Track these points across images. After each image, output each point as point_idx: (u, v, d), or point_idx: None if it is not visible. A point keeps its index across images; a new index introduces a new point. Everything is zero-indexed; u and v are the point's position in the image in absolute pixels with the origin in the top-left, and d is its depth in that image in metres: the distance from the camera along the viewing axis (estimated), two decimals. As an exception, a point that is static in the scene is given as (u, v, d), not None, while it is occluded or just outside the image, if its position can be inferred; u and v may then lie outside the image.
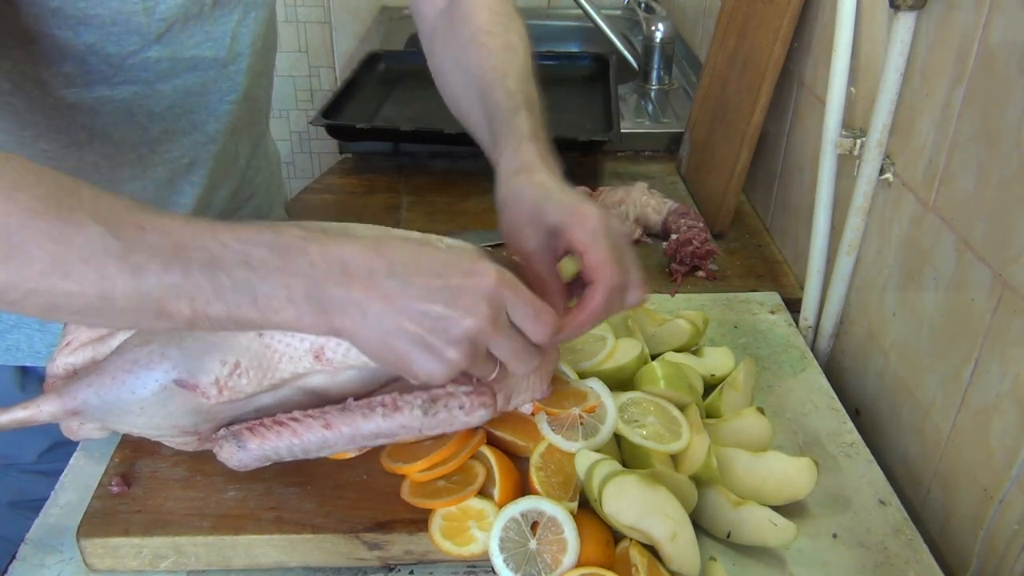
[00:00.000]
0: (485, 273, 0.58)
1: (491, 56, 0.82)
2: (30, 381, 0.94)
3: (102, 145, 0.81)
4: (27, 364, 0.92)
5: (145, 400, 0.66)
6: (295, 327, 0.57)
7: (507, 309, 0.59)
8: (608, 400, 0.76)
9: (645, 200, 1.20)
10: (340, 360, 0.68)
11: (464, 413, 0.67)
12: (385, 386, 0.71)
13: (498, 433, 0.75)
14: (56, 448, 0.96)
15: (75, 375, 0.70)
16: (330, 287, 0.56)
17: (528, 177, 0.71)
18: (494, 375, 0.62)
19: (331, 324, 0.57)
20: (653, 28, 1.65)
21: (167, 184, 0.89)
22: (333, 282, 0.56)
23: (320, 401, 0.69)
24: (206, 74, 0.84)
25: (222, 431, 0.69)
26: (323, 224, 0.62)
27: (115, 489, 0.73)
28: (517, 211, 0.70)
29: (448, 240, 0.75)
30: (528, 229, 0.68)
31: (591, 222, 0.66)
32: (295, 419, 0.67)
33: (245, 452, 0.68)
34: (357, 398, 0.68)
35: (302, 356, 0.68)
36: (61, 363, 0.71)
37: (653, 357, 0.87)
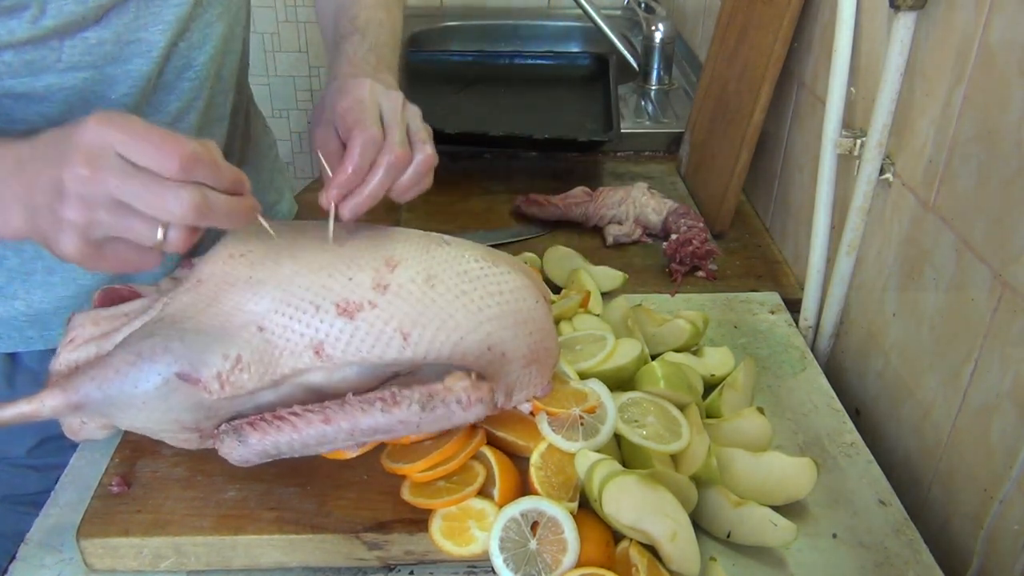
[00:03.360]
0: (86, 125, 0.57)
1: None
2: (19, 371, 0.94)
3: None
4: (17, 350, 0.92)
5: (147, 394, 0.66)
6: None
7: (117, 150, 0.57)
8: (608, 400, 0.76)
9: (645, 200, 1.20)
10: (340, 356, 0.68)
11: (462, 408, 0.66)
12: (385, 382, 0.71)
13: (498, 433, 0.75)
14: (47, 442, 0.96)
15: (78, 370, 0.70)
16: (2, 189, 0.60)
17: (332, 84, 0.77)
18: (166, 233, 0.59)
19: (8, 223, 0.60)
20: (653, 28, 1.65)
21: None
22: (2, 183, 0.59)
23: (321, 398, 0.69)
24: (160, 58, 0.82)
25: (223, 426, 0.69)
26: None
27: (115, 489, 0.73)
28: (317, 113, 0.76)
29: (447, 238, 0.76)
30: (321, 126, 0.73)
31: (356, 91, 0.72)
32: (295, 414, 0.67)
33: (246, 447, 0.68)
34: (357, 394, 0.68)
35: (302, 351, 0.68)
36: (64, 360, 0.71)
37: (653, 357, 0.87)
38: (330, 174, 0.72)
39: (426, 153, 0.75)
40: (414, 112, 0.78)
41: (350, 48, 0.83)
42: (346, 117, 0.72)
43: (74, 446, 0.92)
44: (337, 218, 0.72)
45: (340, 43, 0.84)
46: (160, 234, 0.58)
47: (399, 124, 0.73)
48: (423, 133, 0.76)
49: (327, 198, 0.71)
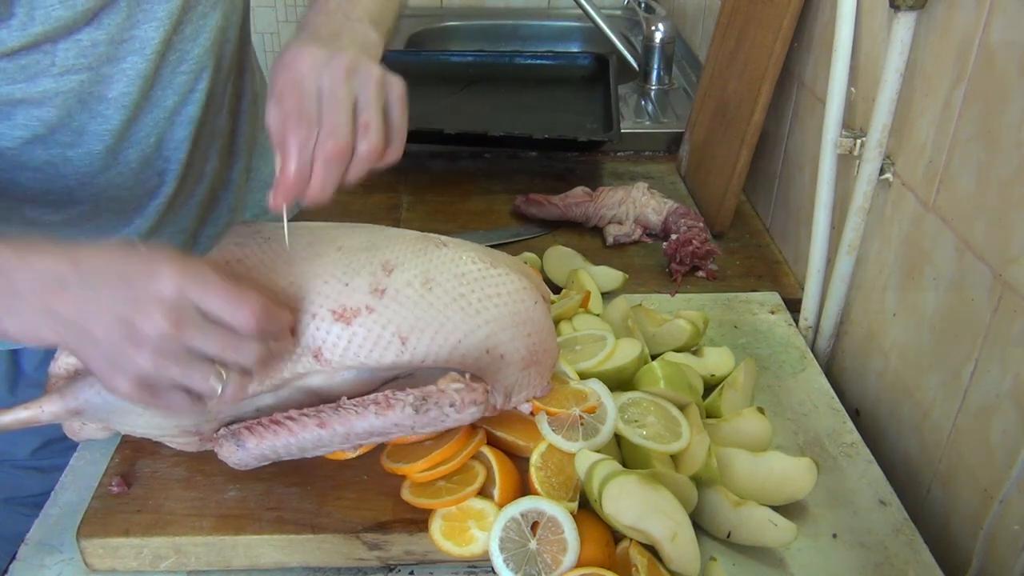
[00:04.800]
0: (162, 274, 0.57)
1: None
2: (21, 378, 0.94)
3: (65, 135, 0.80)
4: (18, 347, 0.92)
5: None
6: (11, 336, 0.59)
7: (197, 305, 0.58)
8: (608, 400, 0.76)
9: (645, 200, 1.20)
10: (338, 360, 0.68)
11: (455, 411, 0.66)
12: (385, 385, 0.71)
13: (498, 433, 0.75)
14: (50, 444, 0.96)
15: (77, 375, 0.70)
16: (28, 298, 0.57)
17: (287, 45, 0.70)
18: (224, 386, 0.60)
19: (38, 335, 0.59)
20: (653, 28, 1.65)
21: (144, 166, 0.88)
22: (30, 293, 0.57)
23: (320, 401, 0.69)
24: (155, 54, 0.82)
25: (222, 430, 0.69)
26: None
27: (115, 489, 0.73)
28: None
29: (445, 239, 0.76)
30: (271, 101, 0.67)
31: (295, 65, 0.65)
32: (291, 418, 0.67)
33: (244, 451, 0.68)
34: (352, 397, 0.68)
35: (301, 356, 0.68)
36: (63, 363, 0.71)
37: (653, 357, 0.87)
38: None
39: (370, 144, 0.66)
40: (366, 79, 0.67)
41: (321, 1, 0.75)
42: (281, 102, 0.65)
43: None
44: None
45: (313, 3, 0.77)
46: (219, 387, 0.60)
47: (337, 108, 0.64)
48: (371, 111, 0.66)
49: (275, 203, 0.66)
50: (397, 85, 0.69)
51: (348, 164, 0.66)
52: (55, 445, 0.96)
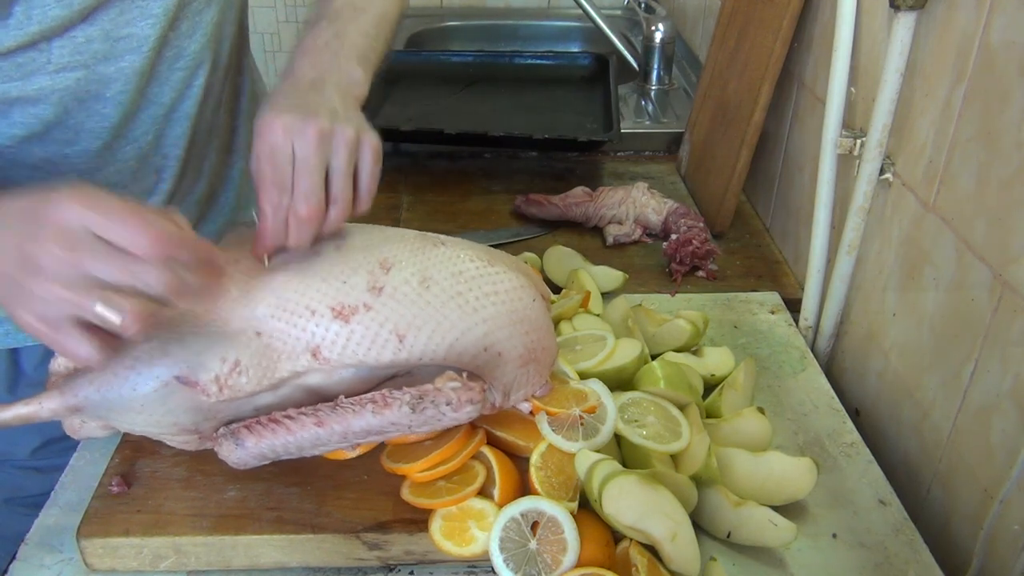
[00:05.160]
0: (60, 204, 0.56)
1: None
2: (21, 377, 0.94)
3: (62, 133, 0.81)
4: (19, 345, 0.92)
5: (146, 397, 0.66)
6: None
7: (92, 230, 0.56)
8: (608, 400, 0.76)
9: (645, 200, 1.20)
10: (337, 359, 0.68)
11: (452, 409, 0.67)
12: (383, 383, 0.71)
13: (498, 433, 0.75)
14: (50, 444, 0.97)
15: (77, 372, 0.70)
16: None
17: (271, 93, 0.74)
18: (122, 315, 0.57)
19: None
20: (653, 28, 1.65)
21: (141, 163, 0.88)
22: None
23: (318, 400, 0.69)
24: (152, 51, 0.82)
25: (221, 429, 0.69)
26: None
27: (115, 489, 0.73)
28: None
29: (443, 238, 0.76)
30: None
31: (269, 133, 0.68)
32: (289, 417, 0.67)
33: (243, 450, 0.68)
34: (349, 396, 0.68)
35: (300, 354, 0.68)
36: (63, 361, 0.71)
37: (653, 357, 0.87)
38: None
39: (338, 211, 0.70)
40: (338, 146, 0.70)
41: (310, 37, 0.78)
42: (257, 166, 0.69)
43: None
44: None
45: (304, 32, 0.79)
46: (115, 316, 0.57)
47: (308, 175, 0.68)
48: (340, 181, 0.70)
49: (257, 254, 0.70)
50: (370, 142, 0.72)
51: (321, 223, 0.70)
52: (54, 445, 0.96)
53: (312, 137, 0.68)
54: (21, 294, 0.57)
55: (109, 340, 0.59)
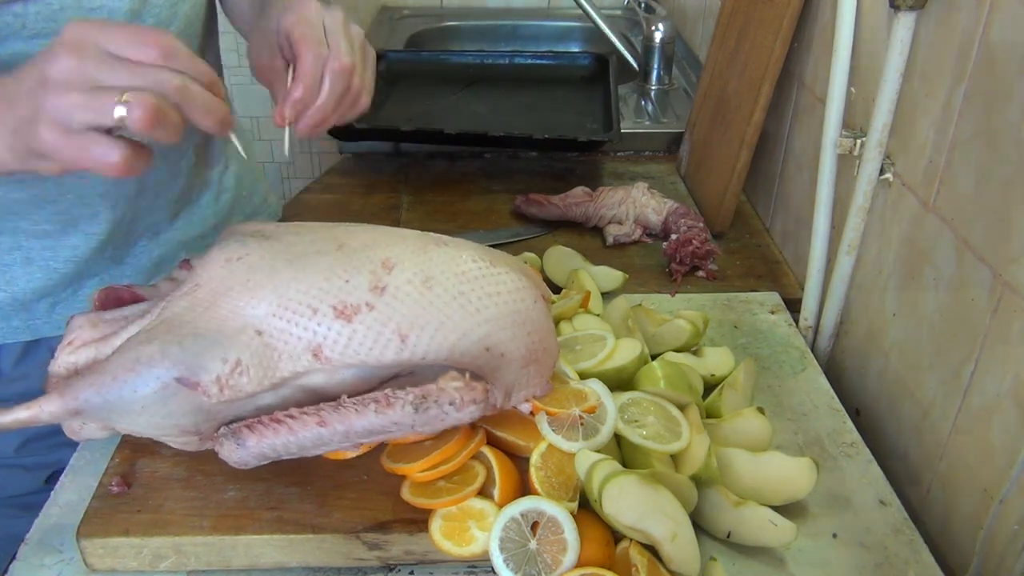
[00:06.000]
0: (66, 29, 0.61)
1: None
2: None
3: None
4: (5, 342, 0.92)
5: (146, 399, 0.66)
6: None
7: (99, 43, 0.60)
8: (608, 400, 0.76)
9: (645, 200, 1.20)
10: (338, 358, 0.68)
11: (455, 409, 0.67)
12: (385, 384, 0.71)
13: (498, 433, 0.75)
14: (32, 442, 0.96)
15: (76, 375, 0.70)
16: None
17: (276, 10, 0.81)
18: (129, 109, 0.59)
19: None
20: (653, 28, 1.65)
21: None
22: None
23: (320, 400, 0.69)
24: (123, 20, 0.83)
25: (222, 429, 0.69)
26: None
27: (115, 489, 0.73)
28: (257, 38, 0.80)
29: (445, 238, 0.76)
30: (265, 51, 0.78)
31: (301, 8, 0.76)
32: (291, 416, 0.67)
33: (244, 449, 0.68)
34: (352, 396, 0.68)
35: (301, 354, 0.68)
36: (63, 362, 0.71)
37: (653, 357, 0.87)
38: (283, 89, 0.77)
39: (363, 101, 0.80)
40: (356, 34, 0.80)
41: None
42: (292, 32, 0.75)
43: (65, 443, 0.91)
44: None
45: None
46: (123, 111, 0.59)
47: (343, 36, 0.77)
48: (363, 70, 0.80)
49: (281, 114, 0.75)
50: (370, 47, 0.82)
51: (347, 94, 0.77)
52: (39, 442, 0.95)
53: (338, 18, 0.78)
54: (43, 110, 0.60)
55: (135, 148, 0.61)
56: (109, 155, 0.60)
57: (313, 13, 0.77)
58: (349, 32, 0.78)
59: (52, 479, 0.96)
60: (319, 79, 0.75)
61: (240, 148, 0.75)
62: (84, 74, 0.59)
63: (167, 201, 0.98)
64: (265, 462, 0.70)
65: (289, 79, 0.76)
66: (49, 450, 0.83)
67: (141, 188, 0.93)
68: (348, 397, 0.67)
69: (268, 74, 0.78)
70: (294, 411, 0.67)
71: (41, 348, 0.94)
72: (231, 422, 0.70)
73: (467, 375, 0.67)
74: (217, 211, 1.06)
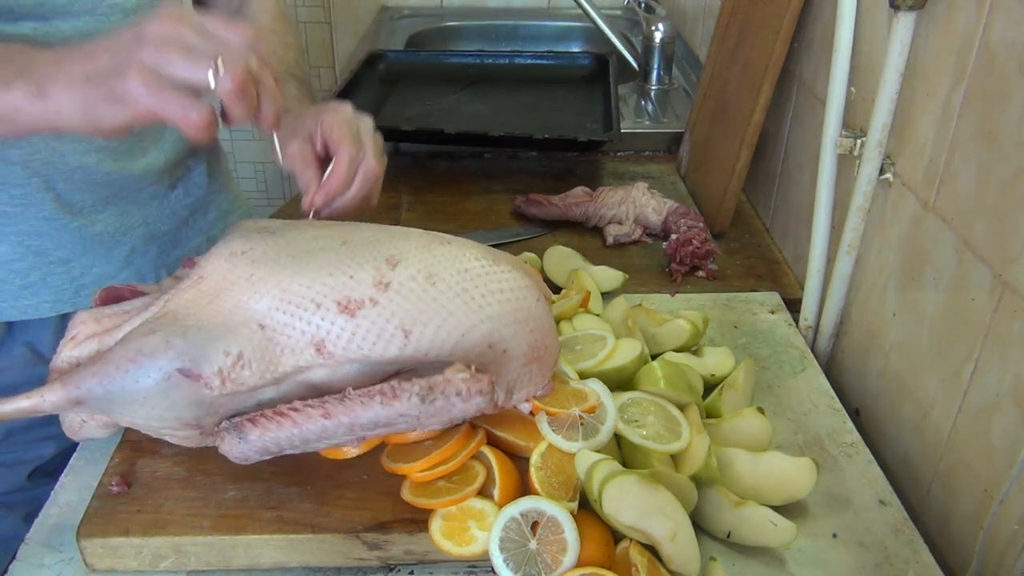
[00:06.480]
0: (164, 7, 0.65)
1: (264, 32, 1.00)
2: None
3: None
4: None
5: (148, 389, 0.66)
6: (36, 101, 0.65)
7: (197, 19, 0.65)
8: (608, 400, 0.76)
9: (645, 200, 1.20)
10: (341, 353, 0.68)
11: (462, 400, 0.66)
12: (387, 380, 0.71)
13: (498, 433, 0.75)
14: (13, 436, 0.95)
15: (78, 366, 0.70)
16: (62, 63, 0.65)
17: (302, 110, 0.89)
18: (219, 76, 0.63)
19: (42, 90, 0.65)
20: (653, 28, 1.65)
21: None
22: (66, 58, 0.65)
23: (322, 395, 0.69)
24: (108, 19, 0.86)
25: (224, 423, 0.69)
26: None
27: (115, 489, 0.73)
28: (288, 127, 0.85)
29: (448, 237, 0.76)
30: (296, 140, 0.83)
31: (341, 111, 0.85)
32: (295, 409, 0.67)
33: (246, 443, 0.68)
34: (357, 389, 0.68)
35: (304, 348, 0.68)
36: (65, 356, 0.71)
37: (653, 357, 0.87)
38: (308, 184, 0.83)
39: (377, 165, 0.86)
40: (379, 139, 0.89)
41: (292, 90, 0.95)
42: (333, 131, 0.82)
43: (45, 438, 0.91)
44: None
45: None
46: (215, 77, 0.63)
47: (374, 143, 0.85)
48: (375, 148, 0.87)
49: (310, 202, 0.81)
50: (383, 155, 0.89)
51: (377, 183, 0.86)
52: (19, 436, 0.94)
53: (370, 123, 0.87)
54: (139, 58, 0.62)
55: (213, 114, 0.64)
56: (191, 112, 0.62)
57: (351, 116, 0.85)
58: (378, 139, 0.87)
59: (34, 475, 0.96)
60: (352, 177, 0.82)
61: (278, 148, 0.80)
62: (183, 37, 0.63)
63: (183, 206, 1.02)
64: (267, 457, 0.70)
65: (327, 171, 0.83)
66: (28, 446, 0.83)
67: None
68: (353, 389, 0.67)
69: (297, 162, 0.83)
70: (298, 404, 0.67)
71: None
72: (232, 416, 0.70)
73: (473, 367, 0.67)
74: (217, 225, 1.08)
